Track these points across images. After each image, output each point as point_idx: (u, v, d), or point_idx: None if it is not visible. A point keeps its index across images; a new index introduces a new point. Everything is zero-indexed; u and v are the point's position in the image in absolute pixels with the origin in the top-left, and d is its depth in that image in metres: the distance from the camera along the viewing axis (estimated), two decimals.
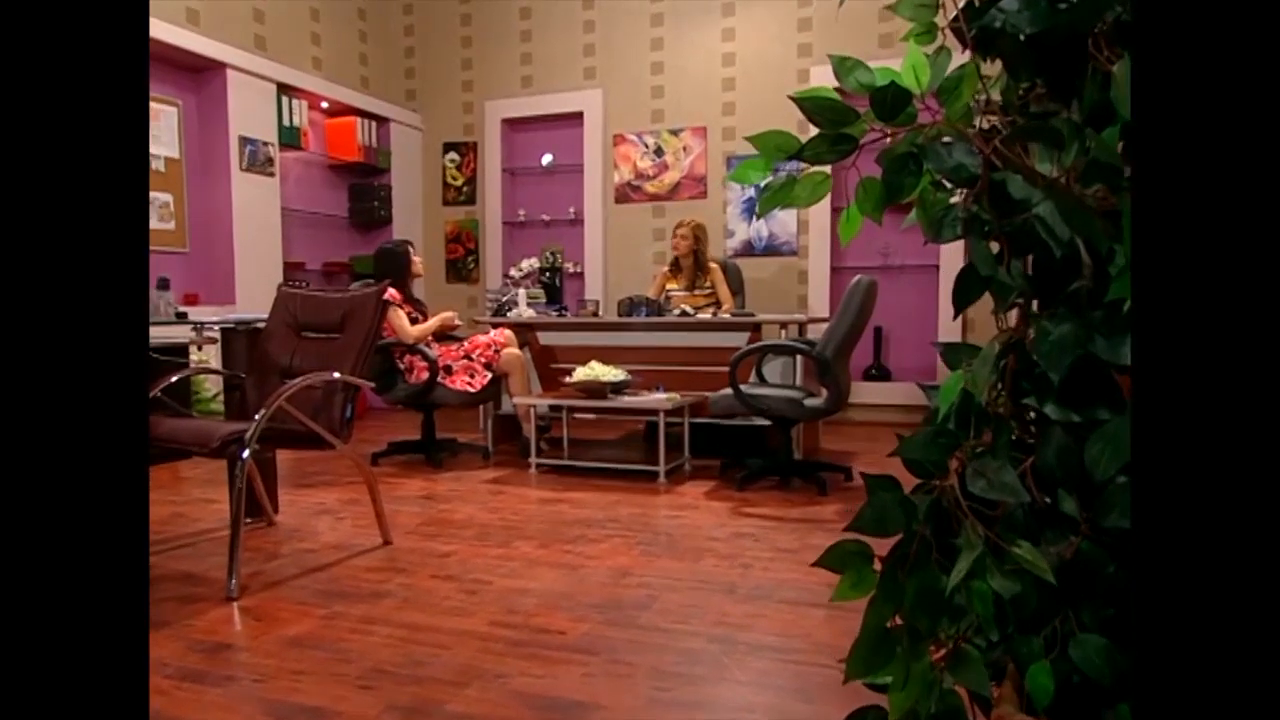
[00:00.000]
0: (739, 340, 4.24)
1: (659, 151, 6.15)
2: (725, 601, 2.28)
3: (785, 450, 3.81)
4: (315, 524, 3.13)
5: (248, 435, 2.37)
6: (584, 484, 3.82)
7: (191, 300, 5.01)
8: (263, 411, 2.39)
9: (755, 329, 4.26)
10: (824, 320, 5.08)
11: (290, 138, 5.54)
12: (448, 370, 4.24)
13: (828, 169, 1.08)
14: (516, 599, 2.31)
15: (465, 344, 4.36)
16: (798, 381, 4.21)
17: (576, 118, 6.33)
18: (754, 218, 5.94)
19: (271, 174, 5.36)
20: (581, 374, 4.03)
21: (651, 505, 3.42)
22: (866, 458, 4.46)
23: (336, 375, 2.72)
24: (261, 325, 3.05)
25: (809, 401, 3.65)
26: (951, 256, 5.48)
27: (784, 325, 4.34)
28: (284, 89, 5.49)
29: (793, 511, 3.29)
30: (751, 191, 5.92)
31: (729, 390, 3.68)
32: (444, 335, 4.53)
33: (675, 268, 5.06)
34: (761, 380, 4.14)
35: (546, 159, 6.49)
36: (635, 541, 2.87)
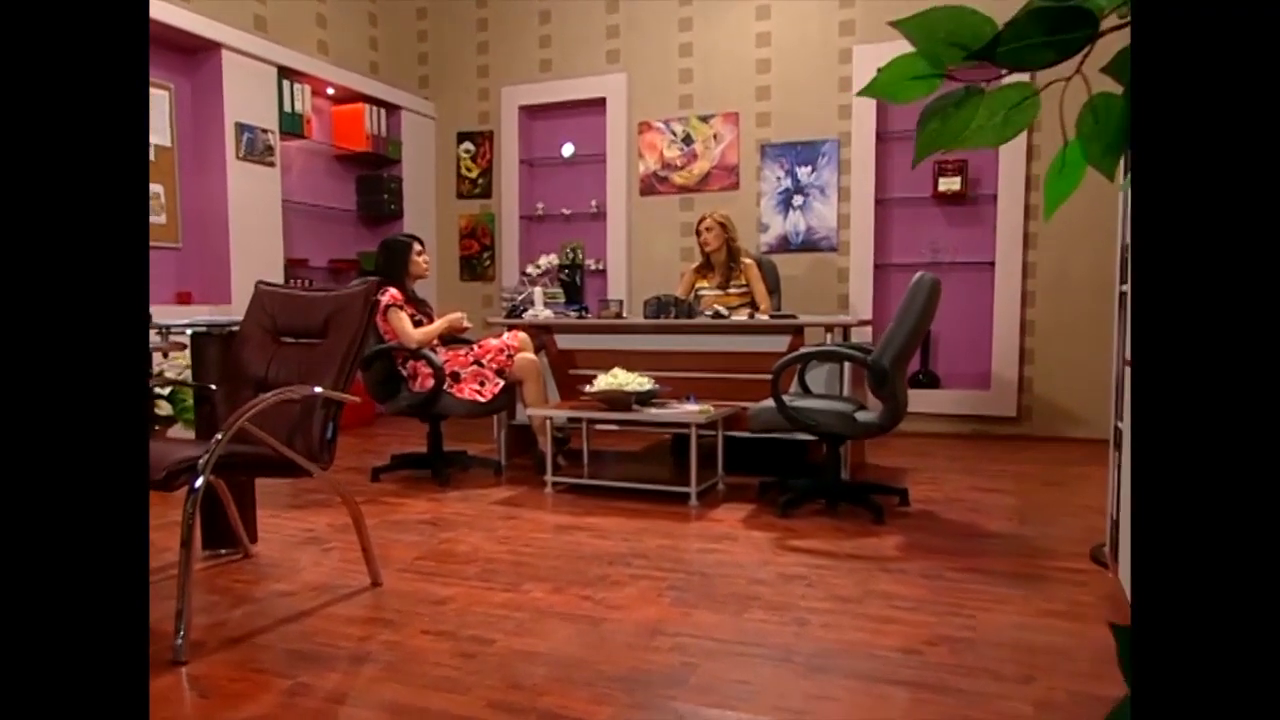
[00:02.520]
0: (779, 345, 3.80)
1: (688, 140, 5.71)
2: (781, 674, 1.84)
3: (833, 470, 3.36)
4: (298, 557, 2.73)
5: (201, 463, 1.97)
6: (605, 506, 3.40)
7: (184, 299, 4.65)
8: (218, 436, 1.99)
9: (797, 332, 3.81)
10: (869, 323, 4.65)
11: (292, 125, 5.16)
12: (455, 377, 3.83)
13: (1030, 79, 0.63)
14: (523, 666, 1.88)
15: (475, 348, 3.95)
16: (846, 391, 3.76)
17: (599, 104, 5.91)
18: (790, 211, 5.48)
19: (271, 164, 4.99)
20: (604, 382, 3.61)
21: (682, 534, 2.99)
22: (919, 476, 4.00)
23: (318, 390, 2.32)
24: (236, 329, 2.65)
25: (862, 416, 3.21)
26: (1009, 251, 5.01)
27: (829, 328, 3.89)
28: (285, 73, 5.11)
29: (846, 545, 2.85)
30: (788, 182, 5.47)
31: (770, 402, 3.24)
32: (452, 339, 4.13)
33: (706, 264, 4.62)
34: (805, 390, 3.70)
35: (567, 149, 6.08)
36: (666, 585, 2.44)
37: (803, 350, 3.42)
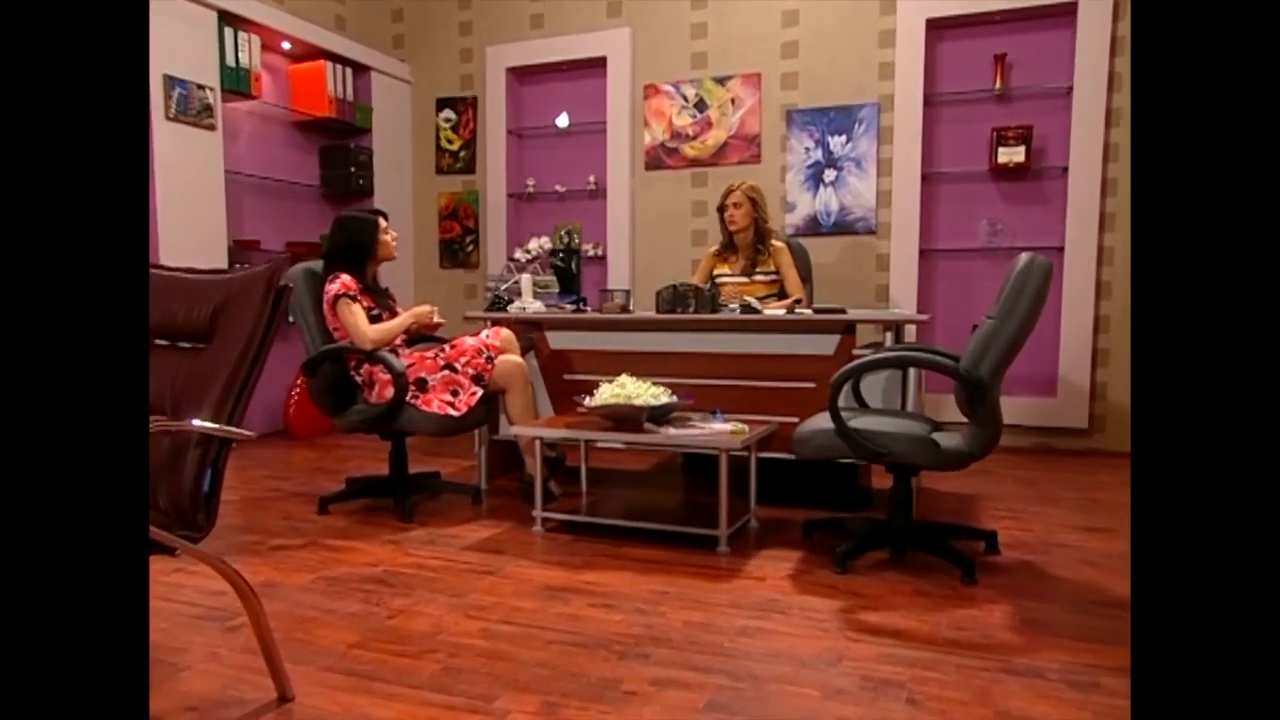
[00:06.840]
0: (825, 347, 3.05)
1: (701, 105, 4.95)
2: None
3: (903, 510, 2.61)
4: (188, 643, 1.98)
5: None
6: (609, 554, 2.65)
7: None
8: None
9: (848, 330, 3.06)
10: (911, 320, 3.90)
11: (236, 82, 4.38)
12: (421, 385, 3.07)
13: None
14: None
15: (447, 349, 3.19)
16: (910, 404, 3.02)
17: (598, 65, 5.14)
18: (820, 187, 4.73)
19: (211, 126, 4.21)
20: (607, 394, 2.85)
21: (714, 603, 2.24)
22: (994, 507, 3.26)
23: (195, 423, 1.56)
24: None
25: (946, 441, 2.45)
26: (1081, 234, 4.27)
27: (887, 326, 3.15)
28: (229, 19, 4.33)
29: (941, 622, 2.10)
30: (818, 154, 4.71)
31: (824, 421, 2.50)
32: (420, 337, 3.37)
33: (728, 246, 3.87)
34: (860, 402, 2.95)
35: (562, 118, 5.31)
36: (704, 700, 1.69)
37: (872, 356, 2.66)
